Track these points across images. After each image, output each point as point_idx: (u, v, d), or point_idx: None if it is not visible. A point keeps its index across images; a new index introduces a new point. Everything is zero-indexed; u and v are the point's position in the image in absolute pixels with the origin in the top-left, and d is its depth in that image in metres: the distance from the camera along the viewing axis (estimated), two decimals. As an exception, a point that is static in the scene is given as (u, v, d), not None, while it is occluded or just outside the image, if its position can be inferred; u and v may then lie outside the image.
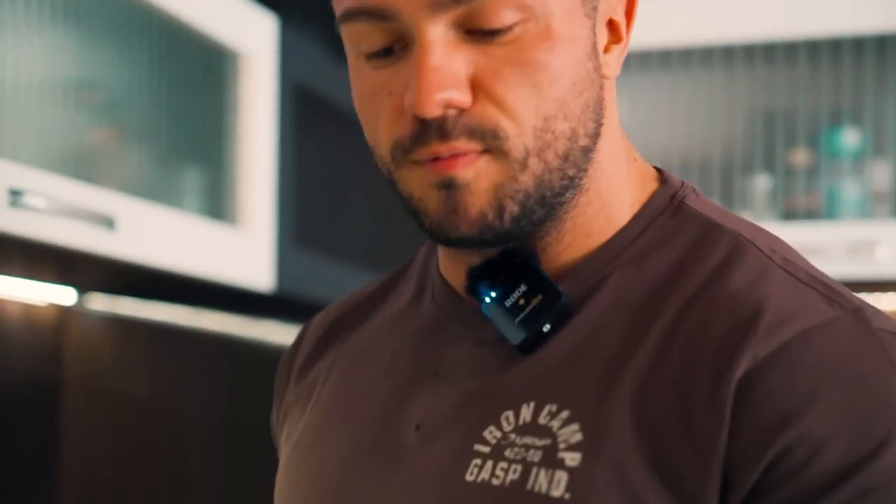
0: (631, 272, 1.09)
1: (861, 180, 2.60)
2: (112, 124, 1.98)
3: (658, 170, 1.18)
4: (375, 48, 1.05)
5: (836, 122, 2.62)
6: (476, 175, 1.02)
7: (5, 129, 1.69)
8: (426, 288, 1.24)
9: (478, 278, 1.10)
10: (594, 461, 0.97)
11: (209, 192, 2.24)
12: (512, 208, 1.03)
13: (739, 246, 1.06)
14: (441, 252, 1.20)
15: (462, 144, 1.00)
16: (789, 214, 2.60)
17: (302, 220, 2.61)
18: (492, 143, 1.01)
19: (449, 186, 1.02)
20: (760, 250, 1.06)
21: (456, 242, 1.07)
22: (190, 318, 2.63)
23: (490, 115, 1.01)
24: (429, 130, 1.00)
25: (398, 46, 1.04)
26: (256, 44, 2.29)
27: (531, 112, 1.02)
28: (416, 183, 1.05)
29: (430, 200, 1.04)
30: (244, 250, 2.27)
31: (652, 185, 1.15)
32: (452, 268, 1.17)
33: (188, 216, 2.10)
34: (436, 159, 1.02)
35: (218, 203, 2.25)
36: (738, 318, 0.99)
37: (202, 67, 2.20)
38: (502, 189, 1.03)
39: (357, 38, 1.06)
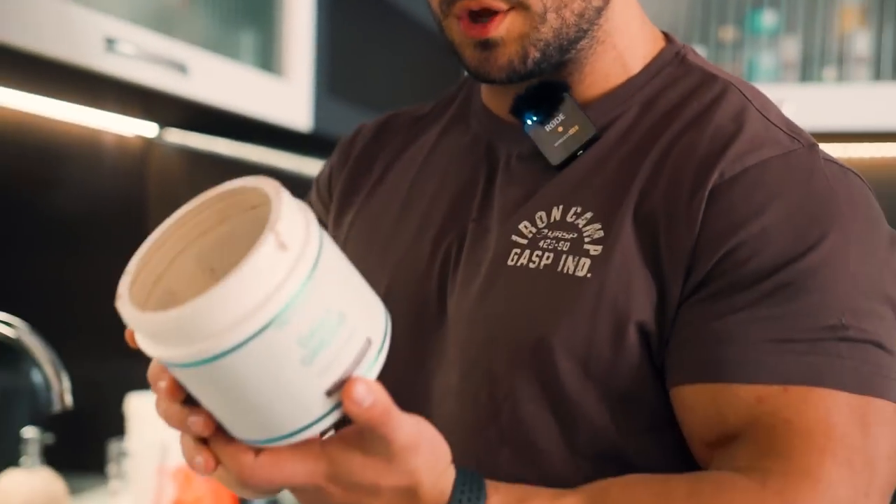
0: (641, 108, 1.09)
1: (775, 52, 2.58)
2: None
3: (665, 33, 1.17)
4: None
5: (757, 5, 2.59)
6: (506, 30, 1.03)
7: None
8: (468, 114, 1.23)
9: (523, 103, 1.09)
10: (610, 252, 1.00)
11: (261, 48, 2.20)
12: (534, 54, 1.04)
13: (727, 90, 1.07)
14: (484, 85, 1.19)
15: (493, 2, 1.01)
16: None
17: (335, 73, 2.57)
18: (517, 1, 1.02)
19: (485, 45, 1.04)
20: (743, 94, 1.07)
21: (490, 82, 1.09)
22: (243, 151, 2.62)
23: None
24: None
25: None
26: None
27: None
28: (458, 35, 1.06)
29: (468, 52, 1.06)
30: (288, 97, 2.24)
31: (660, 43, 1.15)
32: (495, 96, 1.17)
33: (244, 67, 2.07)
34: (469, 15, 1.03)
35: (268, 57, 2.22)
36: (715, 144, 1.01)
37: None
38: (526, 38, 1.03)
39: None
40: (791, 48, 2.57)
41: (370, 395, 0.76)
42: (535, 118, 1.09)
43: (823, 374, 0.92)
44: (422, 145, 1.26)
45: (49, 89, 1.88)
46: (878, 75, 2.50)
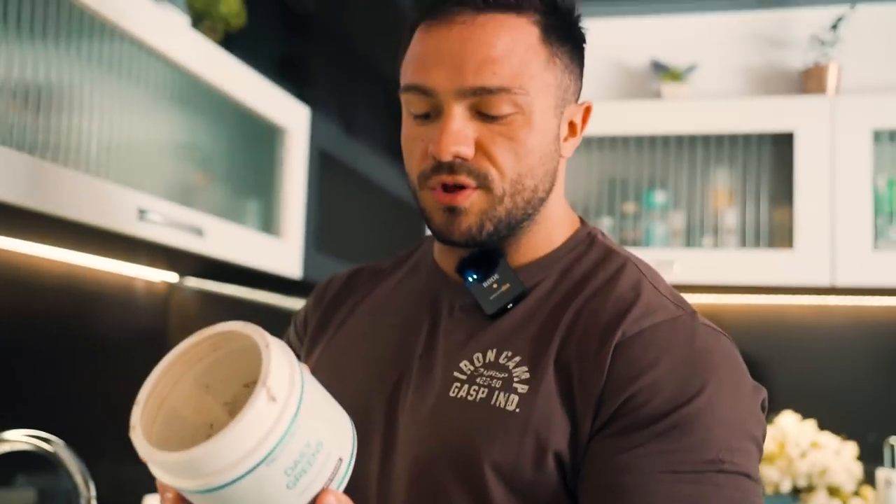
0: (560, 275, 1.12)
1: (665, 223, 2.58)
2: (205, 170, 1.95)
3: (580, 217, 1.20)
4: (420, 112, 1.07)
5: (651, 186, 2.59)
6: (470, 204, 1.05)
7: (137, 171, 1.67)
8: (421, 269, 1.23)
9: (466, 264, 1.12)
10: (535, 391, 1.01)
11: (263, 214, 2.20)
12: (489, 227, 1.06)
13: (626, 265, 1.10)
14: (437, 246, 1.20)
15: (463, 179, 1.04)
16: (623, 242, 2.57)
17: (321, 233, 2.60)
18: (483, 183, 1.04)
19: (452, 211, 1.06)
20: (638, 268, 1.11)
21: (450, 243, 1.09)
22: (245, 293, 2.60)
23: (484, 165, 1.04)
24: (441, 168, 1.04)
25: (433, 113, 1.06)
26: (295, 123, 2.25)
27: (510, 169, 1.05)
28: (430, 203, 1.08)
29: (437, 216, 1.08)
30: (283, 252, 2.22)
31: (576, 224, 1.18)
32: (444, 257, 1.18)
33: (249, 230, 2.07)
34: (444, 188, 1.05)
35: (268, 222, 2.21)
36: (618, 308, 1.04)
37: (262, 136, 2.17)
38: (485, 214, 1.06)
39: (409, 104, 1.08)
40: (678, 220, 2.57)
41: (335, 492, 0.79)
42: (475, 276, 1.11)
43: (706, 500, 0.94)
44: (381, 292, 1.26)
45: (93, 248, 1.86)
46: (743, 243, 2.51)
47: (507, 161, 1.05)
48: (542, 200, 1.10)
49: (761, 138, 2.52)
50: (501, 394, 1.03)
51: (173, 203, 1.74)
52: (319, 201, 2.64)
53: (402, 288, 1.24)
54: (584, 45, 1.13)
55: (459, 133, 1.03)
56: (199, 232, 1.80)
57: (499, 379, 1.04)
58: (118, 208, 1.57)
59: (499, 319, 1.09)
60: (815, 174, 2.41)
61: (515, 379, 1.03)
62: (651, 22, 2.84)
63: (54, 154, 1.45)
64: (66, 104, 1.49)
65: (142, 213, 1.62)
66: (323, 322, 1.27)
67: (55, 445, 1.41)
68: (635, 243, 2.57)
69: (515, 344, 1.06)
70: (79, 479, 1.42)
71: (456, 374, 1.07)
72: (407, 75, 1.08)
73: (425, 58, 1.05)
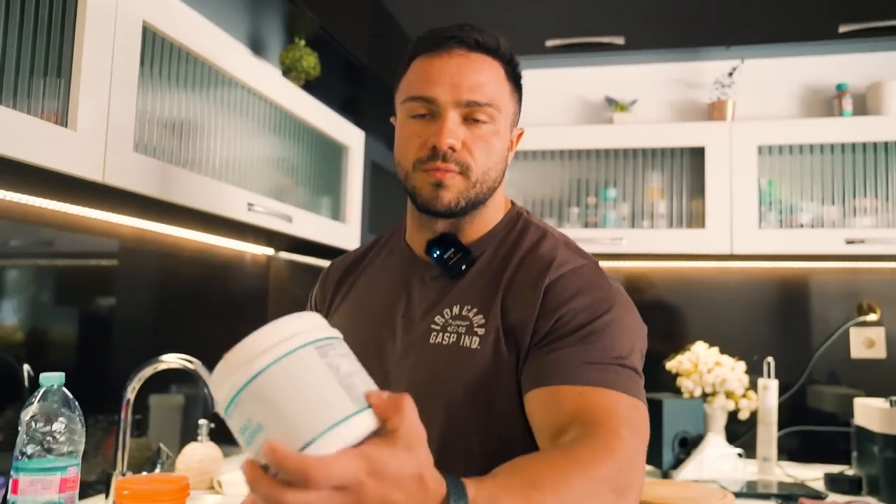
0: (499, 244, 1.10)
1: (616, 211, 2.53)
2: (292, 176, 1.95)
3: (511, 201, 1.17)
4: (418, 113, 1.04)
5: (606, 185, 2.55)
6: (452, 183, 1.03)
7: (247, 176, 1.69)
8: (395, 252, 1.19)
9: (432, 244, 1.09)
10: (489, 331, 1.00)
11: (333, 207, 2.19)
12: (462, 203, 1.04)
13: (544, 234, 1.09)
14: (410, 227, 1.15)
15: (450, 166, 1.02)
16: (588, 225, 2.52)
17: (372, 220, 2.61)
18: (463, 170, 1.03)
19: (438, 185, 1.03)
20: (554, 236, 1.10)
21: (433, 213, 1.05)
22: (322, 263, 2.55)
23: (466, 157, 1.03)
24: (435, 157, 1.02)
25: (429, 116, 1.04)
26: (354, 142, 2.26)
27: (483, 163, 1.04)
28: (421, 181, 1.04)
29: (425, 191, 1.04)
30: (348, 234, 2.21)
31: (508, 205, 1.15)
32: (416, 238, 1.14)
33: (323, 218, 2.07)
34: (436, 170, 1.02)
35: (336, 212, 2.21)
36: (543, 263, 1.03)
37: (331, 152, 2.17)
38: (461, 194, 1.04)
39: (411, 109, 1.05)
40: (625, 209, 2.52)
41: (385, 392, 0.64)
42: (438, 251, 1.08)
43: (613, 383, 0.92)
44: (369, 272, 1.20)
45: (216, 230, 1.87)
46: (671, 224, 2.49)
47: (481, 157, 1.03)
48: (494, 189, 1.08)
49: (682, 151, 2.51)
50: (466, 337, 1.01)
51: (271, 199, 1.77)
52: (371, 197, 2.66)
53: (385, 266, 1.19)
54: (522, 89, 1.13)
55: (455, 131, 1.02)
56: (289, 219, 1.83)
57: (463, 326, 1.02)
58: (233, 202, 1.60)
59: (458, 282, 1.07)
60: (719, 176, 2.43)
61: (475, 325, 1.01)
62: (605, 70, 2.86)
63: (191, 165, 1.48)
64: (197, 131, 1.52)
65: (250, 206, 1.65)
66: (329, 299, 1.22)
67: (196, 365, 1.44)
68: (596, 225, 2.54)
69: (472, 298, 1.04)
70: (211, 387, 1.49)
71: (432, 325, 1.04)
72: (411, 89, 1.05)
73: (429, 77, 1.03)
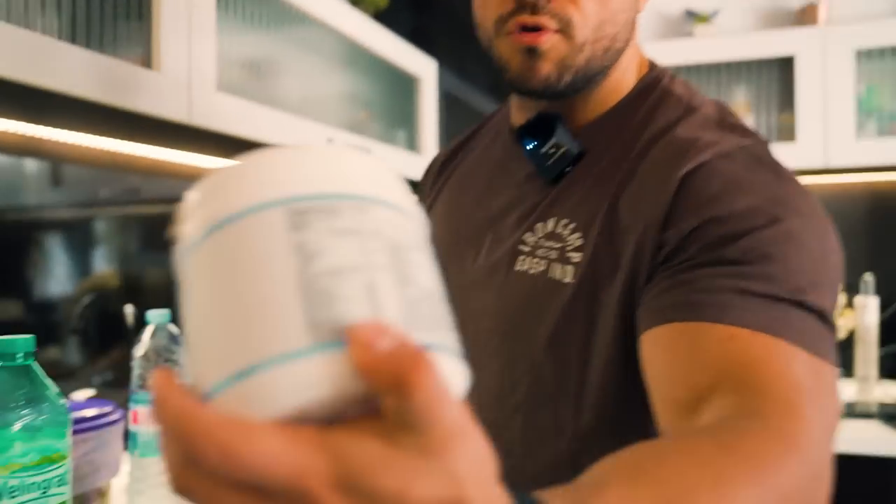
0: (618, 131, 0.80)
1: None
2: (367, 109, 1.97)
3: (650, 60, 0.86)
4: None
5: None
6: (550, 47, 0.75)
7: (324, 111, 1.71)
8: (499, 137, 0.94)
9: (524, 132, 0.84)
10: (587, 257, 0.75)
11: (408, 139, 2.20)
12: (567, 78, 0.77)
13: (690, 109, 0.78)
14: (513, 107, 0.90)
15: (544, 21, 0.74)
16: None
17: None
18: (564, 27, 0.75)
19: (531, 52, 0.76)
20: (703, 110, 0.78)
21: (527, 93, 0.80)
22: None
23: (567, 8, 0.75)
24: (523, 8, 0.75)
25: None
26: (427, 74, 2.27)
27: (593, 14, 0.75)
28: (507, 48, 0.77)
29: (515, 61, 0.77)
30: (422, 163, 2.20)
31: (644, 69, 0.85)
32: (518, 120, 0.88)
33: (399, 149, 2.08)
34: (523, 31, 0.75)
35: (411, 144, 2.23)
36: (679, 148, 0.73)
37: (404, 84, 2.18)
38: (563, 63, 0.76)
39: None
40: None
41: (387, 336, 0.30)
42: (533, 143, 0.83)
43: (783, 330, 0.61)
44: (468, 160, 0.98)
45: None
46: None
47: (591, 6, 0.75)
48: (620, 52, 0.79)
49: (770, 62, 2.42)
50: (556, 266, 0.77)
51: (348, 132, 1.79)
52: (447, 128, 2.67)
53: (485, 155, 0.95)
54: None
55: None
56: (366, 152, 1.85)
57: (555, 250, 0.77)
58: (313, 137, 1.62)
59: (558, 186, 0.81)
60: (811, 86, 2.34)
61: (569, 247, 0.77)
62: (683, -21, 2.76)
63: (269, 103, 1.50)
64: (274, 69, 1.54)
65: (329, 141, 1.67)
66: (429, 201, 1.02)
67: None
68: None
69: (571, 209, 0.78)
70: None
71: (521, 246, 0.81)
72: None
73: None
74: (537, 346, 0.75)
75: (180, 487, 0.30)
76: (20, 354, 0.69)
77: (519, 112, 0.87)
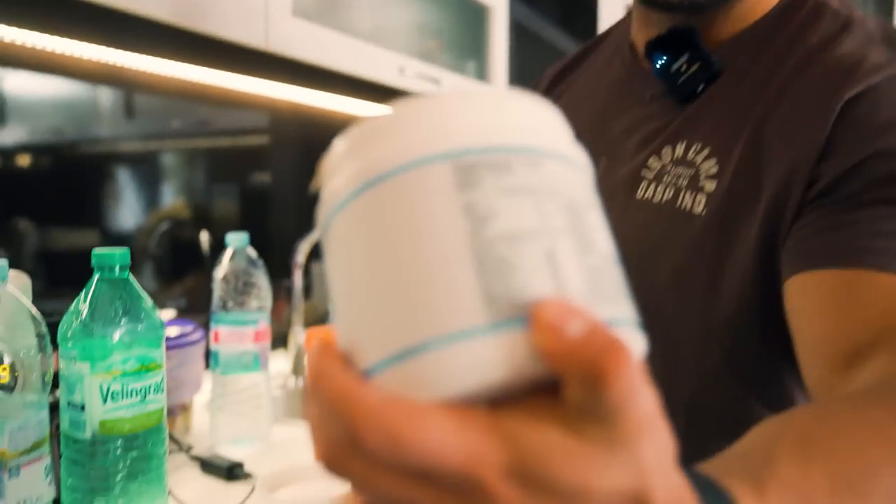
0: (764, 45, 0.71)
1: None
2: (437, 39, 1.95)
3: None
4: None
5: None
6: None
7: (397, 41, 1.70)
8: (616, 55, 0.85)
9: (654, 47, 0.76)
10: (723, 187, 0.66)
11: (478, 69, 2.19)
12: None
13: (849, 25, 0.68)
14: (635, 23, 0.82)
15: None
16: None
17: (517, 81, 2.57)
18: None
19: None
20: (866, 26, 0.69)
21: (663, 5, 0.72)
22: None
23: None
24: None
25: None
26: (498, 2, 2.22)
27: None
28: None
29: None
30: None
31: None
32: (640, 36, 0.80)
33: (469, 79, 2.07)
34: None
35: (481, 73, 2.21)
36: (839, 69, 0.64)
37: (475, 14, 2.15)
38: None
39: None
40: None
41: (578, 317, 0.26)
42: (664, 59, 0.75)
43: None
44: (582, 80, 0.90)
45: (367, 97, 1.89)
46: None
47: None
48: None
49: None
50: (687, 194, 0.68)
51: (419, 61, 1.78)
52: (517, 60, 2.62)
53: (601, 74, 0.87)
54: None
55: None
56: (436, 81, 1.84)
57: (685, 177, 0.69)
58: (385, 66, 1.63)
59: (689, 107, 0.73)
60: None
61: (703, 175, 0.68)
62: None
63: (343, 29, 1.49)
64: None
65: (401, 70, 1.68)
66: None
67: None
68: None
69: (705, 133, 0.70)
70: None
71: (644, 172, 0.73)
72: None
73: None
74: (658, 280, 0.68)
75: (335, 466, 0.28)
76: (118, 267, 0.71)
77: (643, 28, 0.79)
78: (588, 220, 0.30)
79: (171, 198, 1.63)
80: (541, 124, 0.30)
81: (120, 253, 0.71)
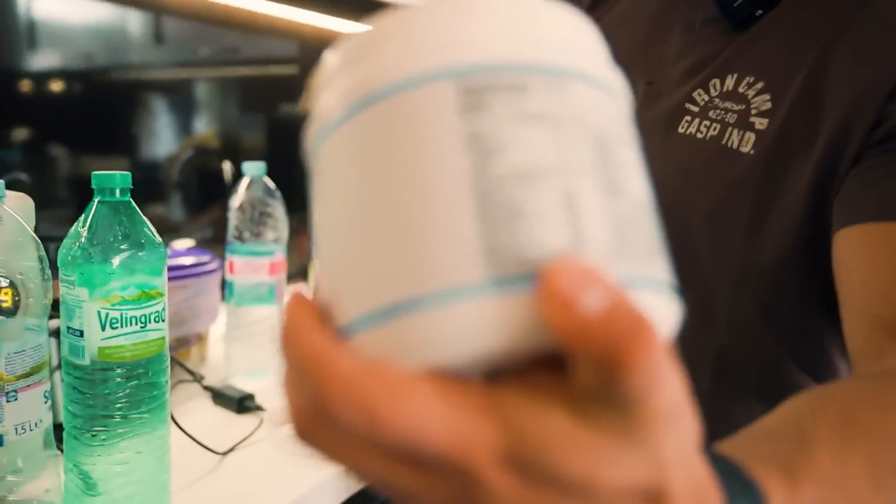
0: None
1: None
2: None
3: None
4: None
5: None
6: None
7: None
8: None
9: None
10: (774, 122, 0.60)
11: None
12: None
13: None
14: None
15: None
16: None
17: None
18: None
19: None
20: None
21: None
22: None
23: None
24: None
25: None
26: None
27: None
28: None
29: None
30: None
31: None
32: None
33: None
34: None
35: None
36: None
37: None
38: None
39: None
40: None
41: (597, 286, 0.21)
42: None
43: None
44: (622, 4, 0.81)
45: None
46: None
47: None
48: None
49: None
50: (735, 131, 0.62)
51: None
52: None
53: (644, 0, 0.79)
54: None
55: None
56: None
57: (734, 112, 0.63)
58: None
59: (743, 35, 0.66)
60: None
61: (754, 111, 0.62)
62: None
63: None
64: None
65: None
66: None
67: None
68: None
69: (760, 65, 0.63)
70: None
71: (688, 105, 0.67)
72: None
73: None
74: (693, 222, 0.62)
75: (304, 436, 0.25)
76: (118, 190, 0.69)
77: None
78: (620, 158, 0.25)
79: (203, 127, 1.63)
80: (570, 38, 0.26)
81: (120, 175, 0.69)
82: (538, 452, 0.22)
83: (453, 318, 0.22)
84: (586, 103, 0.25)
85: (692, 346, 0.55)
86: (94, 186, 0.69)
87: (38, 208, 0.82)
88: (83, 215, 0.70)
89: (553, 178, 0.23)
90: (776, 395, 0.40)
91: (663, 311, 0.24)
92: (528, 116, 0.23)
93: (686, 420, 0.24)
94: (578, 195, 0.23)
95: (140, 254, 0.70)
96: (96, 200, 0.70)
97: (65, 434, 0.71)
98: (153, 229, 0.72)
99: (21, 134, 1.25)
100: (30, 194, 0.80)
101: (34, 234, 0.70)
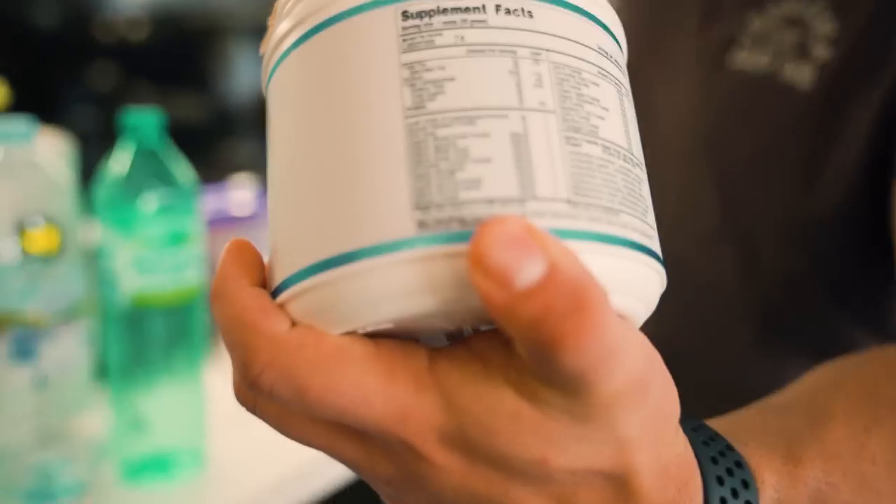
0: None
1: None
2: None
3: None
4: None
5: None
6: None
7: None
8: None
9: None
10: (840, 53, 0.49)
11: None
12: None
13: None
14: None
15: None
16: None
17: None
18: None
19: None
20: None
21: None
22: None
23: None
24: None
25: None
26: None
27: None
28: None
29: None
30: None
31: None
32: None
33: None
34: None
35: None
36: None
37: None
38: None
39: None
40: None
41: (539, 253, 0.18)
42: None
43: None
44: None
45: None
46: None
47: None
48: None
49: None
50: (791, 64, 0.50)
51: None
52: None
53: None
54: None
55: None
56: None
57: (790, 40, 0.51)
58: None
59: None
60: None
61: (816, 36, 0.50)
62: None
63: None
64: None
65: None
66: None
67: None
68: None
69: None
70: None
71: (740, 35, 0.54)
72: None
73: None
74: (737, 165, 0.53)
75: (244, 403, 0.23)
76: (152, 131, 0.68)
77: None
78: (591, 96, 0.21)
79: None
80: None
81: (153, 116, 0.68)
82: (481, 433, 0.20)
83: (383, 277, 0.20)
84: (551, 30, 0.21)
85: (736, 300, 0.51)
86: (126, 126, 0.68)
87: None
88: (114, 158, 0.69)
89: (500, 116, 0.20)
90: (833, 354, 0.36)
91: (629, 276, 0.21)
92: (480, 45, 0.20)
93: (653, 395, 0.21)
94: (529, 136, 0.20)
95: (173, 197, 0.69)
96: (130, 142, 0.69)
97: (108, 374, 0.72)
98: (188, 172, 0.71)
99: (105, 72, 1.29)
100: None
101: (69, 176, 0.70)
